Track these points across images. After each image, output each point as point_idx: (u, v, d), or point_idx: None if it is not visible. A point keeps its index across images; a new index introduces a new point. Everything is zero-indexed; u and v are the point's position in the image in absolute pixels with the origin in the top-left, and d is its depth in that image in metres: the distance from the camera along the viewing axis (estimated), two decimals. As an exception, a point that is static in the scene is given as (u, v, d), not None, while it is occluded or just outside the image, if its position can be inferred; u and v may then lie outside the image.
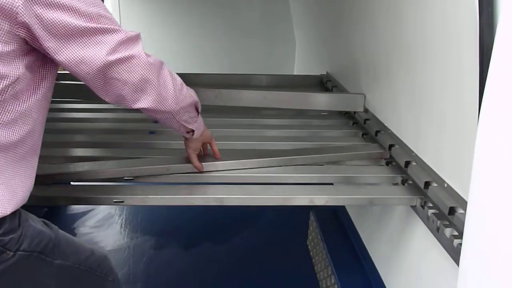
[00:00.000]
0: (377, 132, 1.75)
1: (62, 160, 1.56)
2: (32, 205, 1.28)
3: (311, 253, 2.26)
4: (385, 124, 1.73)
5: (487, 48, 0.94)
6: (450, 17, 1.17)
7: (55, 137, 1.76)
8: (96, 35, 0.90)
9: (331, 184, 1.58)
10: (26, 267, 0.96)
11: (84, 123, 1.98)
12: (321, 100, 2.09)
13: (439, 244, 1.20)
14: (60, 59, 0.90)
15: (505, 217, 0.74)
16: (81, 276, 1.12)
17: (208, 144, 1.46)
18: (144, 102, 1.02)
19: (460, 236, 1.10)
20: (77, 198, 1.32)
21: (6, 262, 0.92)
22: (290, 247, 2.32)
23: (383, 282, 1.61)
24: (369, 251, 1.79)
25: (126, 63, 0.95)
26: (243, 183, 1.41)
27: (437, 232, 1.21)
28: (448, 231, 1.15)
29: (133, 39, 0.97)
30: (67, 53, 0.89)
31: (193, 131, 1.25)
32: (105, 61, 0.92)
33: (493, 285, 0.77)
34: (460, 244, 1.06)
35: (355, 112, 2.04)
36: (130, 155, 1.57)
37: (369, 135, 1.83)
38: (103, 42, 0.91)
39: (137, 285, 2.09)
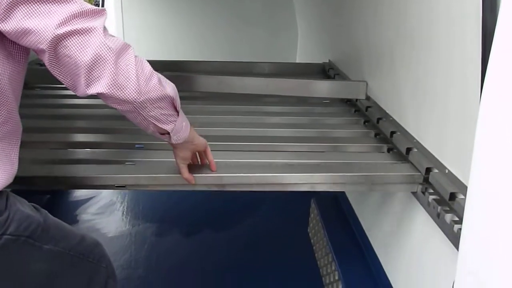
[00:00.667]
0: (378, 119, 1.74)
1: (63, 145, 1.57)
2: (34, 191, 1.31)
3: (311, 240, 2.27)
4: (387, 111, 1.73)
5: (489, 34, 0.93)
6: (454, 3, 1.16)
7: (55, 122, 1.77)
8: (45, 3, 0.82)
9: None
10: (13, 251, 0.94)
11: (84, 109, 1.98)
12: (323, 88, 2.09)
13: (440, 230, 1.21)
14: (5, 28, 0.82)
15: (504, 201, 0.74)
16: (72, 262, 1.10)
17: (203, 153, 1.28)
18: (98, 86, 0.88)
19: (460, 221, 1.10)
20: (79, 183, 1.32)
21: None
22: (291, 234, 2.33)
23: (383, 269, 1.62)
24: (369, 237, 1.79)
25: (77, 37, 0.83)
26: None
27: (437, 218, 1.21)
28: (448, 217, 1.15)
29: (91, 13, 0.86)
30: (12, 22, 0.81)
31: (169, 133, 1.06)
32: (54, 34, 0.82)
33: (492, 269, 0.78)
34: (460, 229, 1.06)
35: (357, 100, 2.04)
36: (129, 141, 1.58)
37: (371, 122, 1.83)
38: (53, 12, 0.82)
39: (139, 271, 2.10)
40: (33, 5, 0.81)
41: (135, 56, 0.93)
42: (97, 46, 0.85)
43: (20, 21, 0.81)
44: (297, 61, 3.77)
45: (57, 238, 1.04)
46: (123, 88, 0.90)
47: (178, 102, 1.04)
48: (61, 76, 0.89)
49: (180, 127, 1.08)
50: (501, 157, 0.74)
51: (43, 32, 0.82)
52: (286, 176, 1.35)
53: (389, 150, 1.60)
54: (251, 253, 2.27)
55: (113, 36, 0.90)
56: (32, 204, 1.02)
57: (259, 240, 2.35)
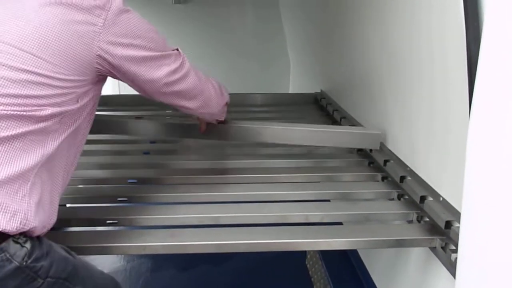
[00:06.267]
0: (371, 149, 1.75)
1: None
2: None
3: (309, 272, 2.24)
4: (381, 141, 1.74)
5: (474, 63, 0.95)
6: (436, 34, 1.19)
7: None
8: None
9: (328, 200, 1.57)
10: None
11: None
12: (333, 137, 1.73)
13: (435, 256, 1.20)
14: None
15: (497, 226, 0.74)
16: None
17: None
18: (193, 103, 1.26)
19: (457, 250, 1.09)
20: (70, 220, 1.31)
21: None
22: (288, 266, 2.29)
23: (382, 300, 1.59)
24: (367, 267, 1.77)
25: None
26: (238, 201, 1.41)
27: (434, 247, 1.21)
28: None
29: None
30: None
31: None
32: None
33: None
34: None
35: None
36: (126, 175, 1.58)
37: (364, 151, 1.83)
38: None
39: (134, 309, 2.06)
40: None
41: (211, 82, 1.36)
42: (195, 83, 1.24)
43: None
44: (290, 91, 3.81)
45: (85, 279, 1.05)
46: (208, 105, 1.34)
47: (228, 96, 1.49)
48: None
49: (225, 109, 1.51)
50: (490, 185, 0.75)
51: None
52: (280, 208, 1.35)
53: (383, 179, 1.60)
54: (248, 285, 2.24)
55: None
56: (61, 245, 1.02)
57: (257, 271, 2.31)
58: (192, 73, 1.20)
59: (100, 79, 1.08)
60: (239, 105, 2.54)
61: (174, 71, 1.14)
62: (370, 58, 1.77)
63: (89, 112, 1.07)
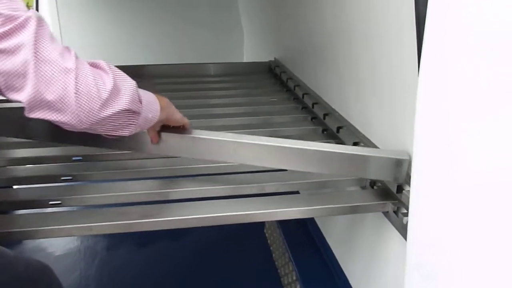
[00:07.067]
0: (325, 115, 1.73)
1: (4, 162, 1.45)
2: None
3: (268, 240, 2.25)
4: (333, 107, 1.73)
5: (423, 22, 0.94)
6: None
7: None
8: None
9: (285, 170, 1.55)
10: None
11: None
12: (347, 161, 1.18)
13: (387, 221, 1.21)
14: None
15: (446, 194, 0.74)
16: None
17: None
18: None
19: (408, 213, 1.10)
20: (8, 203, 1.23)
21: None
22: (247, 236, 2.29)
23: (340, 266, 1.61)
24: (325, 235, 1.79)
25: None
26: (192, 175, 1.36)
27: (386, 212, 1.21)
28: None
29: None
30: None
31: None
32: None
33: (439, 260, 0.77)
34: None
35: (303, 96, 2.00)
36: (70, 153, 1.49)
37: (318, 118, 1.81)
38: None
39: (89, 289, 2.00)
40: None
41: None
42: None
43: None
44: (244, 60, 3.74)
45: (0, 268, 0.98)
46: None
47: (136, 101, 0.86)
48: None
49: (145, 121, 0.93)
50: (439, 148, 0.74)
51: None
52: (235, 180, 1.31)
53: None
54: (208, 257, 2.22)
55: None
56: None
57: (216, 243, 2.30)
58: (27, 50, 0.73)
59: None
60: (192, 76, 2.46)
61: None
62: (323, 25, 1.73)
63: None
